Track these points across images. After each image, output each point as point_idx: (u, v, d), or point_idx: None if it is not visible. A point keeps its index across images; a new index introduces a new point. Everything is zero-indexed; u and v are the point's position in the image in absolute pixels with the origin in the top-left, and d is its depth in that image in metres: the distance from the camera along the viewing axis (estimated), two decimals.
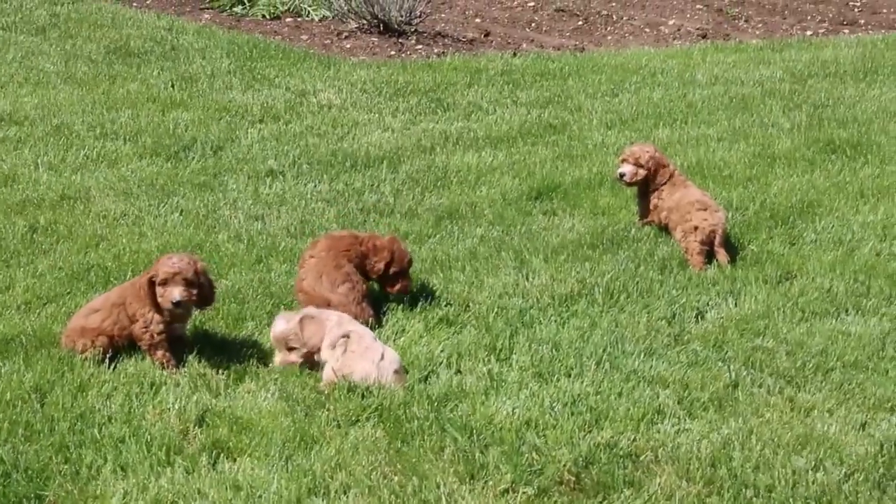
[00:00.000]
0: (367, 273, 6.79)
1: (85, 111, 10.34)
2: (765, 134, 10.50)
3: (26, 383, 5.74)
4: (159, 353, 5.99)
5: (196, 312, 6.30)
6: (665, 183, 8.00)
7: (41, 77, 11.39)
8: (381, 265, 6.76)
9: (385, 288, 6.87)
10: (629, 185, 8.11)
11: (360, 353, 5.87)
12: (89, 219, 7.96)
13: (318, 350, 5.97)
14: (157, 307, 5.96)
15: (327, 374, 5.89)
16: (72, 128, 9.86)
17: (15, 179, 8.64)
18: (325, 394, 5.76)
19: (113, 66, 11.92)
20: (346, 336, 5.89)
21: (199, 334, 6.36)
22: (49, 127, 9.87)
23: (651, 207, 8.06)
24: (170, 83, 11.36)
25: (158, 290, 5.91)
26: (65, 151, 9.26)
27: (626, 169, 8.03)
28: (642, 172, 8.00)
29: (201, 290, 5.96)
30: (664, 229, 7.96)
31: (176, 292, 5.86)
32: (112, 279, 6.89)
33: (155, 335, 5.99)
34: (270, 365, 6.09)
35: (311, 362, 6.01)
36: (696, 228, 7.59)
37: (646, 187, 8.06)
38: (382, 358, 5.88)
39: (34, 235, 7.62)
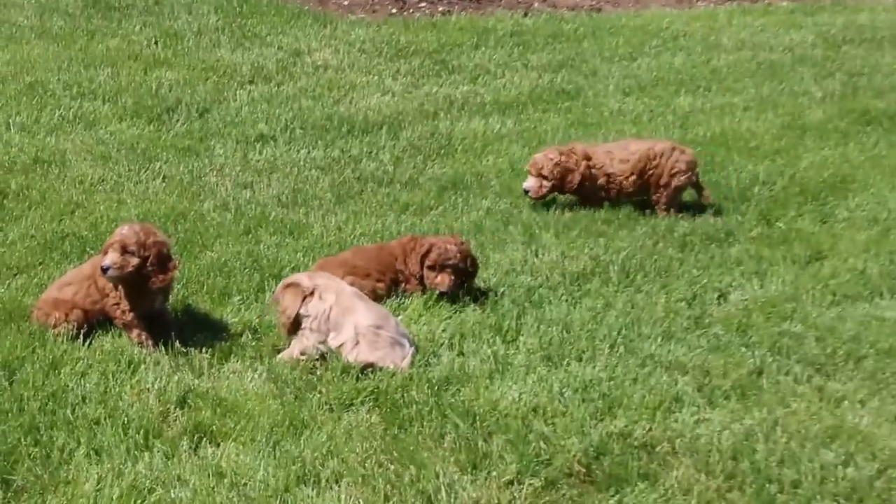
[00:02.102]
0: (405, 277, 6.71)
1: (61, 68, 10.31)
2: (795, 103, 10.46)
3: None
4: (134, 331, 5.98)
5: (175, 288, 6.27)
6: (586, 175, 7.97)
7: (14, 31, 11.35)
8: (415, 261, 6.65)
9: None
10: (538, 199, 8.01)
11: (389, 348, 5.88)
12: (64, 184, 7.95)
13: (297, 319, 5.94)
14: None
15: (293, 350, 5.89)
16: (46, 86, 9.83)
17: None
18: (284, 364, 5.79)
19: (91, 20, 11.88)
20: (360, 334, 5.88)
21: (182, 310, 6.34)
22: (22, 85, 9.85)
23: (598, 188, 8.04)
24: (153, 40, 11.32)
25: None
26: (38, 111, 9.24)
27: (529, 184, 8.00)
28: (547, 184, 7.96)
29: (145, 261, 5.85)
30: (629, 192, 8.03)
31: (107, 259, 5.82)
32: (88, 249, 6.87)
33: (126, 311, 5.97)
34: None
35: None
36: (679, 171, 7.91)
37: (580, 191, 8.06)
38: (411, 346, 5.95)
39: (5, 201, 7.62)
